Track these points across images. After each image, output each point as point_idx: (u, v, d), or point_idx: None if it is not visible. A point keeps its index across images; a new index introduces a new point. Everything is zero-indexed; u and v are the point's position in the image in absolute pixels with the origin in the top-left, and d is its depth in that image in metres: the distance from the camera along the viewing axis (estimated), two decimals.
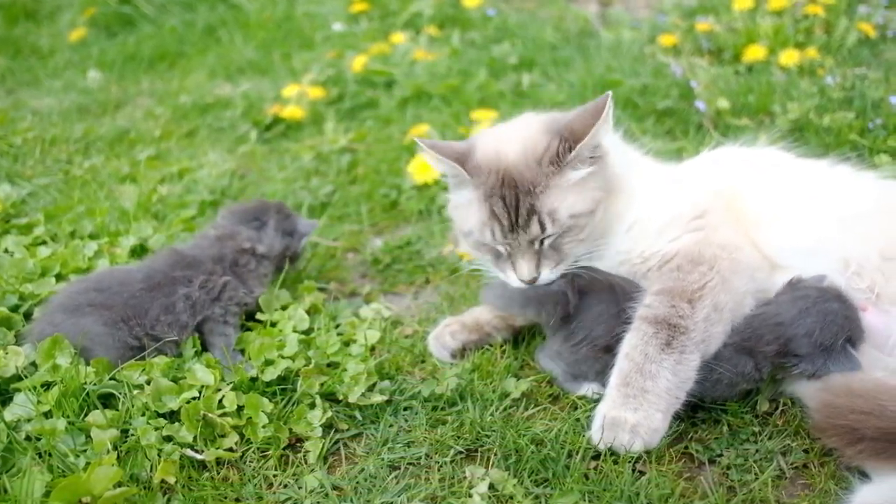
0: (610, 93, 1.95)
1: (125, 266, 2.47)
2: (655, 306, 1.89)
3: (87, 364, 2.01)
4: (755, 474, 1.78)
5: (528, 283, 2.02)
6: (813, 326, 1.81)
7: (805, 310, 1.84)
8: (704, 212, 2.06)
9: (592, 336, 2.00)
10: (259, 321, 2.36)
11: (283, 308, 2.41)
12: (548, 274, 2.02)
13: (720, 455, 1.85)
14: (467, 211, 2.05)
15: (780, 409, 1.96)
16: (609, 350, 1.97)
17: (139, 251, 2.77)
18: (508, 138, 2.05)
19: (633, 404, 1.78)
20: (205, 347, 2.24)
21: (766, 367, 1.89)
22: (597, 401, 2.00)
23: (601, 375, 1.99)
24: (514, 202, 1.95)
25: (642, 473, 1.80)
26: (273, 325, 2.33)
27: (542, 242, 1.99)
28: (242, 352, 2.22)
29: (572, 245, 2.01)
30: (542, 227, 1.95)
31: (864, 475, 1.71)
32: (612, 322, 1.97)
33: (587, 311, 2.02)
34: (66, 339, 2.05)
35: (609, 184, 2.03)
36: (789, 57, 3.98)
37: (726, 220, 2.07)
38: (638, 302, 1.95)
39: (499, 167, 1.98)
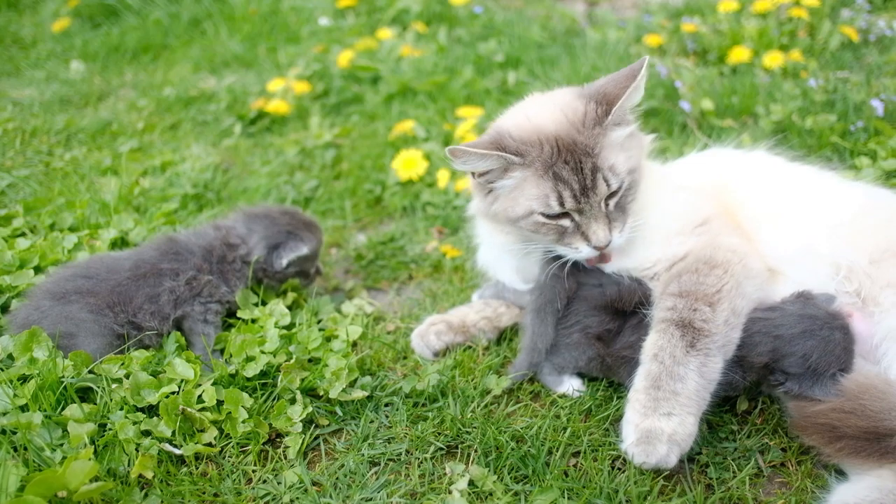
0: (647, 57, 1.96)
1: (116, 252, 2.45)
2: (679, 308, 1.87)
3: (65, 357, 1.99)
4: (733, 472, 1.79)
5: (601, 249, 1.96)
6: (812, 350, 1.79)
7: (809, 331, 1.81)
8: (707, 219, 2.07)
9: (585, 323, 2.02)
10: (241, 319, 2.34)
11: (264, 304, 2.40)
12: (618, 237, 1.96)
13: (699, 453, 1.86)
14: (519, 193, 1.97)
15: (759, 407, 1.98)
16: (600, 339, 2.00)
17: (119, 244, 2.74)
18: (540, 111, 2.01)
19: (665, 408, 1.73)
20: (188, 344, 2.23)
21: (752, 377, 1.89)
22: (577, 400, 2.02)
23: (593, 363, 2.03)
24: (577, 164, 1.90)
25: (621, 470, 1.81)
26: (254, 321, 2.32)
27: (607, 203, 1.95)
28: (222, 352, 2.21)
29: (631, 204, 1.99)
30: (608, 184, 1.92)
31: (840, 474, 1.73)
32: (605, 315, 2.01)
33: (582, 299, 2.05)
34: (52, 325, 2.05)
35: (642, 151, 2.03)
36: (773, 59, 4.01)
37: (729, 225, 2.09)
38: (654, 305, 1.94)
39: (548, 137, 1.92)
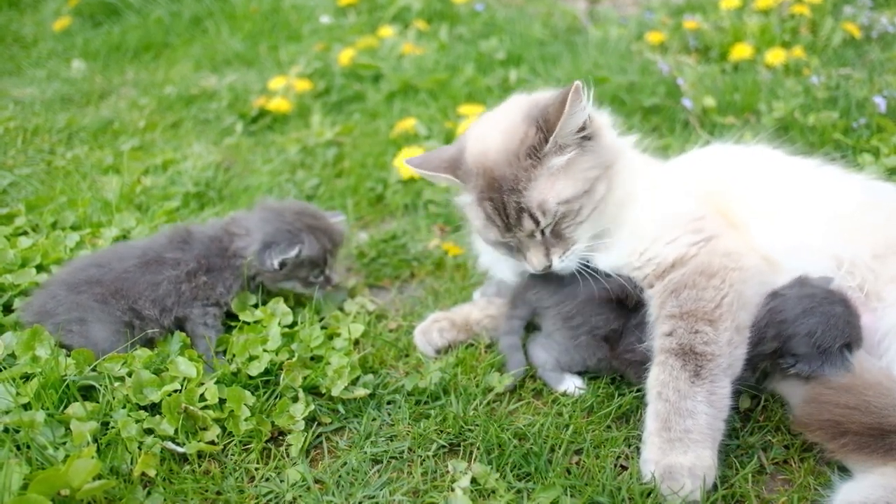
0: (578, 82, 1.85)
1: (133, 241, 2.47)
2: (679, 334, 1.82)
3: (68, 355, 2.00)
4: (736, 469, 1.79)
5: (543, 271, 2.00)
6: (815, 327, 1.79)
7: (809, 309, 1.81)
8: (702, 216, 2.03)
9: (592, 323, 2.01)
10: (244, 322, 2.32)
11: (265, 303, 2.39)
12: (558, 261, 1.98)
13: None
14: (471, 211, 2.05)
15: (762, 405, 1.97)
16: (607, 340, 1.99)
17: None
18: (492, 131, 2.01)
19: (680, 448, 1.69)
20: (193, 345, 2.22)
21: (763, 366, 1.88)
22: (579, 398, 2.02)
23: (602, 363, 2.03)
24: (501, 203, 1.92)
25: (624, 468, 1.81)
26: (257, 322, 2.31)
27: (542, 232, 1.95)
28: (224, 352, 2.20)
29: (573, 228, 1.96)
30: (536, 222, 1.92)
31: (842, 470, 1.72)
32: (610, 312, 2.00)
33: (588, 299, 2.02)
34: (65, 313, 2.08)
35: (606, 158, 1.97)
36: (775, 56, 4.01)
37: (724, 223, 2.05)
38: (652, 326, 1.91)
39: (483, 168, 1.95)
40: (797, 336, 1.80)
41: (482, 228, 2.02)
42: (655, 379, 1.81)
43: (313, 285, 2.39)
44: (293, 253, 2.28)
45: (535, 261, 1.98)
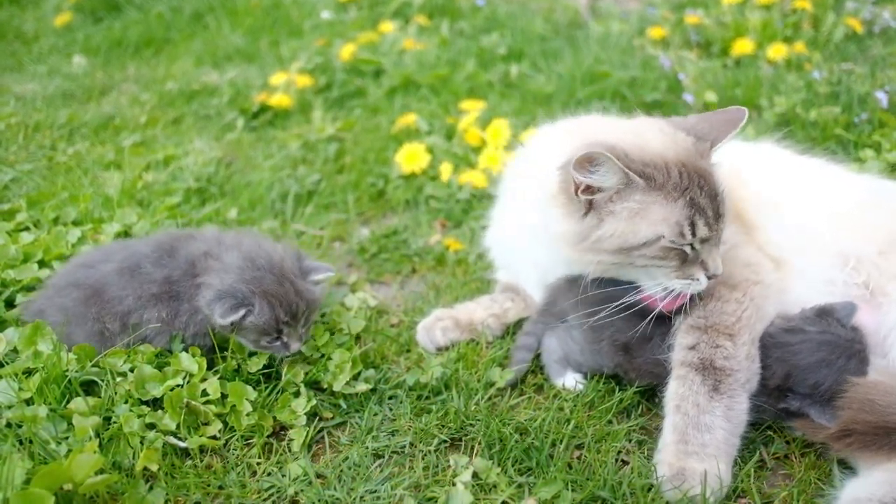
0: (745, 110, 1.97)
1: (129, 241, 2.40)
2: (702, 349, 1.83)
3: (70, 350, 2.00)
4: (738, 464, 1.79)
5: (713, 279, 1.86)
6: (825, 378, 1.77)
7: (826, 361, 1.78)
8: None
9: (613, 329, 1.98)
10: None
11: None
12: None
13: None
14: (641, 219, 1.78)
15: None
16: (626, 349, 1.97)
17: (123, 238, 2.74)
18: (645, 134, 1.88)
19: (696, 459, 1.71)
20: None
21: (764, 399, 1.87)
22: (580, 392, 2.02)
23: (618, 369, 2.02)
24: (713, 191, 1.80)
25: (625, 463, 1.81)
26: None
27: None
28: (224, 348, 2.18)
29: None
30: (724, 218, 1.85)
31: (843, 465, 1.73)
32: (632, 321, 1.95)
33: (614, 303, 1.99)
34: (54, 315, 2.05)
35: None
36: (777, 51, 4.00)
37: (742, 230, 2.05)
38: (674, 335, 1.90)
39: (673, 162, 1.79)
40: (804, 381, 1.79)
41: (672, 227, 1.76)
42: (674, 392, 1.81)
43: (268, 349, 2.06)
44: (235, 317, 1.94)
45: (718, 262, 1.82)
